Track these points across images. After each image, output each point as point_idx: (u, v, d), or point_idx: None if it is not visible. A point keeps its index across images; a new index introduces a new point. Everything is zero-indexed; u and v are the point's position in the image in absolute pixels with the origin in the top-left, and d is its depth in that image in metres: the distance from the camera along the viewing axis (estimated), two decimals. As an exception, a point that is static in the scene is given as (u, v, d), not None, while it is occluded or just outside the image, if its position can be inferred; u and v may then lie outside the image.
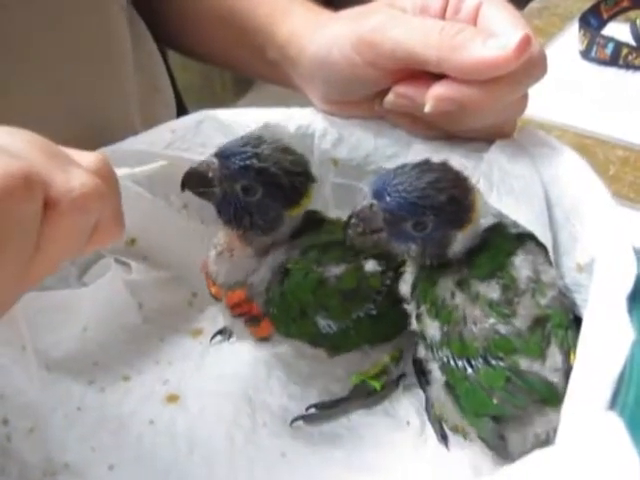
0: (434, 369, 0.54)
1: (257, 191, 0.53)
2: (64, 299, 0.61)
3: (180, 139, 0.64)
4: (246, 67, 0.80)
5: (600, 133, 0.98)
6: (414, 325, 0.55)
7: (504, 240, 0.55)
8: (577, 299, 0.52)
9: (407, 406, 0.60)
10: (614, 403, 0.39)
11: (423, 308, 0.54)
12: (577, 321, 0.51)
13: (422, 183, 0.50)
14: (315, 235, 0.58)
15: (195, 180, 0.54)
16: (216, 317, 0.65)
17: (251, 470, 0.56)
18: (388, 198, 0.51)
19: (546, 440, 0.48)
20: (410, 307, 0.56)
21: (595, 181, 0.52)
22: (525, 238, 0.54)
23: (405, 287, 0.56)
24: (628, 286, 0.43)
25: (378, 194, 0.51)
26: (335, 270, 0.56)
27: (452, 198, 0.51)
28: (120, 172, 0.61)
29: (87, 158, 0.39)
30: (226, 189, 0.53)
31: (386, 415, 0.60)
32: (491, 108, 0.55)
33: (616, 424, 0.37)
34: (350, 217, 0.53)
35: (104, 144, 0.63)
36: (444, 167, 0.53)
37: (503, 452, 0.52)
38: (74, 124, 0.64)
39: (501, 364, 0.49)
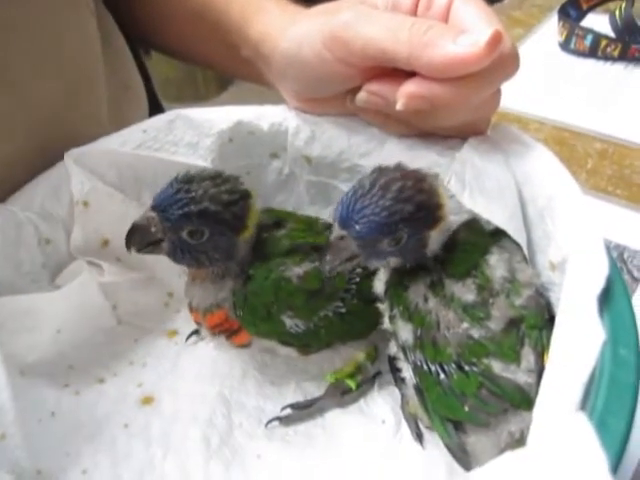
0: (406, 369, 0.53)
1: (204, 233, 0.53)
2: (36, 302, 0.60)
3: (152, 139, 0.63)
4: (221, 65, 0.79)
5: (578, 126, 0.99)
6: (387, 325, 0.55)
7: (479, 237, 0.54)
8: (551, 297, 0.52)
9: (382, 404, 0.60)
10: (585, 404, 0.39)
11: (396, 311, 0.53)
12: (552, 320, 0.50)
13: (387, 200, 0.49)
14: (275, 242, 0.58)
15: (139, 237, 0.54)
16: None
17: (227, 473, 0.55)
18: (357, 226, 0.49)
19: (520, 438, 0.47)
20: (383, 307, 0.55)
21: (568, 179, 0.52)
22: (501, 235, 0.53)
23: (379, 285, 0.56)
24: (599, 286, 0.43)
25: (345, 224, 0.50)
26: (298, 270, 0.56)
27: (420, 204, 0.50)
28: (91, 174, 0.62)
29: None
30: (173, 239, 0.54)
31: (361, 414, 0.60)
32: (463, 106, 0.54)
33: (585, 426, 0.37)
34: (324, 254, 0.52)
35: (73, 145, 0.62)
36: (402, 172, 0.51)
37: (466, 462, 0.51)
38: (41, 126, 0.63)
39: (474, 369, 0.49)
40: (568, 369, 0.41)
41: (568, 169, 0.53)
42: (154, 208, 0.53)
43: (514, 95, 0.60)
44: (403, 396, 0.59)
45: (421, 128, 0.60)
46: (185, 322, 0.67)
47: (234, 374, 0.63)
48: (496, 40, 0.49)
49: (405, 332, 0.52)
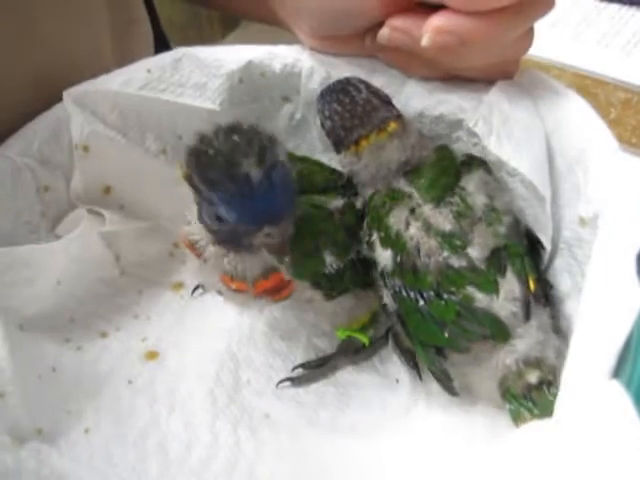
0: (386, 296, 0.52)
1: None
2: (35, 253, 0.57)
3: (156, 79, 0.59)
4: (229, 4, 0.75)
5: (601, 74, 0.94)
6: (365, 252, 0.54)
7: (448, 161, 0.54)
8: (578, 255, 0.49)
9: (397, 362, 0.58)
10: (619, 372, 0.37)
11: (375, 237, 0.52)
12: (532, 246, 0.52)
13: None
14: (306, 178, 0.54)
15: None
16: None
17: (234, 432, 0.53)
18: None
19: (517, 370, 0.48)
20: (361, 233, 0.54)
21: (602, 128, 0.49)
22: (473, 162, 0.53)
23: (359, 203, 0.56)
24: (638, 244, 0.40)
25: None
26: (337, 204, 0.53)
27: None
28: (91, 116, 0.58)
29: None
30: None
31: (375, 373, 0.57)
32: (493, 43, 0.50)
33: (620, 394, 0.35)
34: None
35: (74, 82, 0.58)
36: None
37: (450, 387, 0.52)
38: (37, 62, 0.59)
39: (453, 298, 0.49)
40: (600, 334, 0.38)
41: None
42: (266, 224, 0.44)
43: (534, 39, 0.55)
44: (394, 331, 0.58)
45: (446, 69, 0.55)
46: (191, 274, 0.64)
47: (242, 328, 0.61)
48: None
49: (384, 259, 0.51)
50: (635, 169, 0.46)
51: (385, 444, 0.52)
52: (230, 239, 0.48)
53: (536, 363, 0.49)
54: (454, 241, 0.49)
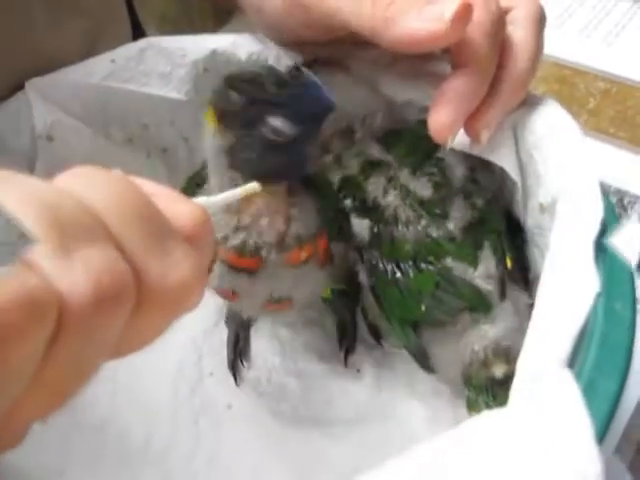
0: (361, 271, 0.51)
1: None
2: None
3: (121, 69, 0.58)
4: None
5: (581, 63, 0.93)
6: None
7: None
8: (540, 243, 0.49)
9: (361, 353, 0.57)
10: (574, 362, 0.36)
11: (350, 205, 0.51)
12: (512, 227, 0.51)
13: None
14: None
15: None
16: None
17: (196, 424, 0.53)
18: None
19: (484, 359, 0.47)
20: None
21: (562, 115, 0.47)
22: None
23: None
24: (594, 230, 0.39)
25: None
26: None
27: None
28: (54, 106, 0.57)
29: (183, 218, 0.29)
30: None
31: (338, 362, 0.57)
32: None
33: (570, 385, 0.34)
34: None
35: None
36: None
37: (426, 365, 0.50)
38: (23, 68, 0.57)
39: (431, 268, 0.48)
40: (556, 321, 0.38)
41: (568, 109, 0.48)
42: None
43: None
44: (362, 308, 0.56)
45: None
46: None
47: (207, 319, 0.60)
48: (464, 11, 0.42)
49: (361, 229, 0.51)
50: (595, 154, 0.45)
51: (349, 435, 0.52)
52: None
53: (505, 355, 0.47)
54: (432, 208, 0.49)
